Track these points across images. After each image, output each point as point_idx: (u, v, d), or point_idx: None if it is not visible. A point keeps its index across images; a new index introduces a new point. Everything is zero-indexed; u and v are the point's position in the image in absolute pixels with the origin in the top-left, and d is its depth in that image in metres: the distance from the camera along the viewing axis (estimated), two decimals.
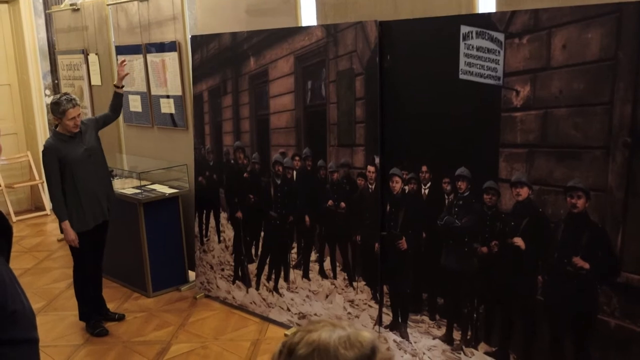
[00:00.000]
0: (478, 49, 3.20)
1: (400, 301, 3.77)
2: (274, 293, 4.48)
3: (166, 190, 5.18)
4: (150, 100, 5.49)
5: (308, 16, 4.24)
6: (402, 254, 3.71)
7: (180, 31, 5.03)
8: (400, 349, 3.73)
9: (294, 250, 4.34)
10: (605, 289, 2.87)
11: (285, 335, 3.98)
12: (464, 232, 3.39)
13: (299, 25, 4.24)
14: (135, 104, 5.65)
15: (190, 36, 4.96)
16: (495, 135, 3.18)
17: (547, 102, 2.98)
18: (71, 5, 6.21)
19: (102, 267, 4.60)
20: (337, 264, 4.08)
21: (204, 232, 4.99)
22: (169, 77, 5.23)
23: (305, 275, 4.28)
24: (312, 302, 4.22)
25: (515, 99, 3.10)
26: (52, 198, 4.25)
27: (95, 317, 4.51)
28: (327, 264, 4.14)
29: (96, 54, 6.05)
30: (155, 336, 4.41)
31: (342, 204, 3.99)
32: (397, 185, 3.68)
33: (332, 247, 4.11)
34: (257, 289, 4.60)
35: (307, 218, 4.23)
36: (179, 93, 5.17)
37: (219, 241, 4.87)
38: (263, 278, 4.56)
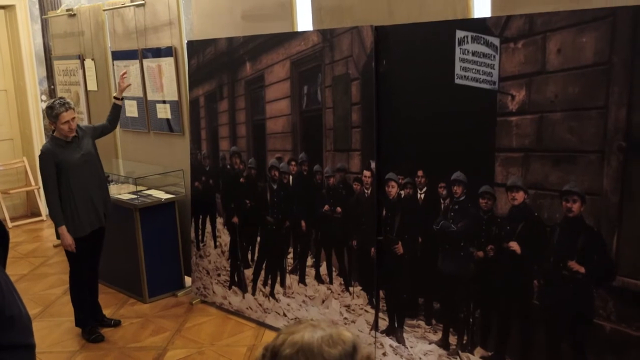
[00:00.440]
0: (473, 53, 3.21)
1: (396, 306, 3.77)
2: (270, 298, 4.47)
3: (162, 195, 5.17)
4: (146, 106, 5.49)
5: (304, 21, 4.26)
6: (398, 259, 3.71)
7: (176, 36, 5.04)
8: (396, 354, 3.72)
9: (290, 256, 4.33)
10: (601, 293, 2.87)
11: None
12: (460, 236, 3.39)
13: (295, 30, 4.25)
14: (131, 109, 5.64)
15: (186, 41, 4.96)
16: (491, 140, 3.19)
17: (543, 107, 2.99)
18: (67, 10, 6.21)
19: (98, 272, 4.59)
20: (334, 269, 4.08)
21: (200, 237, 4.99)
22: (165, 83, 5.23)
23: (302, 281, 4.27)
24: (309, 307, 4.22)
25: (510, 103, 3.11)
26: (49, 203, 4.24)
27: (91, 323, 4.50)
28: (323, 269, 4.14)
29: (92, 59, 6.05)
30: (152, 342, 4.39)
31: (339, 209, 3.99)
32: (393, 189, 3.69)
33: (328, 252, 4.11)
34: (254, 294, 4.59)
35: (303, 223, 4.23)
36: (175, 98, 5.17)
37: (215, 246, 4.87)
38: (259, 283, 4.55)
